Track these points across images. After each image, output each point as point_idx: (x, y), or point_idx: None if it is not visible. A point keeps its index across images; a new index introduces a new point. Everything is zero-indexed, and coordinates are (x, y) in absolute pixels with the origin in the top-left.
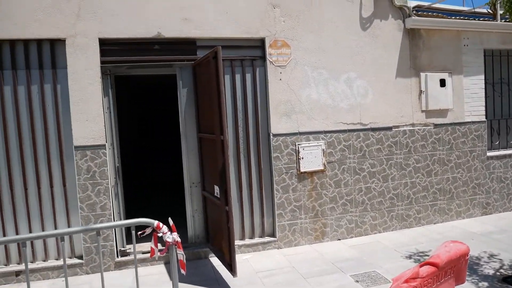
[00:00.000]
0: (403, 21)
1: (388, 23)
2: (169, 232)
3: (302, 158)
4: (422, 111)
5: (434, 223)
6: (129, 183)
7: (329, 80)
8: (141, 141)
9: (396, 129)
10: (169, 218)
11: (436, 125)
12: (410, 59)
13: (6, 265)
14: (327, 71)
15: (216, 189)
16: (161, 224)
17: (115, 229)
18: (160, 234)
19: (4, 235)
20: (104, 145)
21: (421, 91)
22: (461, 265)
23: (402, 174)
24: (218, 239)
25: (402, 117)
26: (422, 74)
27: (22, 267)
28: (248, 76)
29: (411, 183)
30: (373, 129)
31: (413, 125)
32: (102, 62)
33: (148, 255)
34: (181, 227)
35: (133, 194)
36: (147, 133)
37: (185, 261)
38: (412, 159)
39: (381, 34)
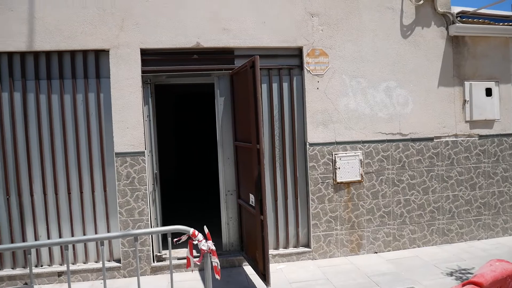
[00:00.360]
0: (447, 28)
1: (430, 31)
2: (204, 240)
3: (339, 168)
4: (466, 121)
5: (478, 239)
6: (165, 188)
7: (368, 89)
8: (179, 148)
9: (438, 140)
10: (205, 226)
11: (481, 136)
12: (454, 67)
13: (49, 265)
14: (365, 80)
15: (251, 197)
16: (196, 232)
17: (152, 235)
18: (195, 242)
19: (48, 237)
20: (143, 152)
21: (465, 101)
22: (507, 286)
23: (443, 187)
24: (252, 248)
25: (444, 128)
26: (466, 83)
27: (64, 268)
28: (285, 85)
29: (453, 196)
30: (413, 140)
31: (456, 136)
32: (142, 72)
33: (183, 261)
34: (215, 234)
35: (170, 199)
36: (184, 141)
37: (219, 267)
38: (455, 171)
39: (423, 42)
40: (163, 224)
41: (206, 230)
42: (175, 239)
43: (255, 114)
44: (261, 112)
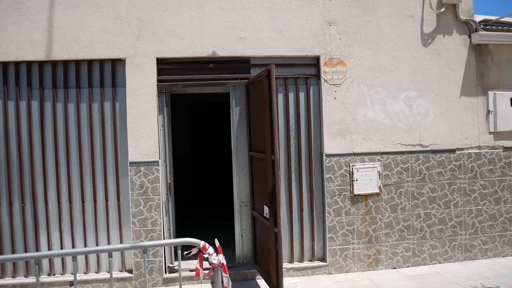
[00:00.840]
0: (469, 36)
1: (452, 39)
2: (215, 254)
3: (356, 180)
4: (490, 132)
5: (503, 256)
6: (180, 197)
7: (387, 99)
8: (194, 158)
9: (460, 151)
10: (215, 239)
11: (506, 148)
12: (477, 76)
13: (61, 274)
14: (384, 90)
15: (266, 209)
16: (207, 245)
17: (164, 246)
18: (206, 255)
19: (62, 246)
20: (158, 162)
21: (488, 111)
22: None
23: (466, 201)
24: (266, 261)
25: (467, 139)
26: (490, 93)
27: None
28: (302, 95)
29: (477, 210)
30: (434, 151)
31: (479, 147)
32: (158, 81)
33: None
34: (229, 244)
35: (184, 205)
36: (199, 150)
37: (230, 286)
38: (478, 184)
39: (444, 50)
40: (177, 234)
41: (217, 243)
42: (185, 252)
43: (271, 124)
44: (277, 122)
